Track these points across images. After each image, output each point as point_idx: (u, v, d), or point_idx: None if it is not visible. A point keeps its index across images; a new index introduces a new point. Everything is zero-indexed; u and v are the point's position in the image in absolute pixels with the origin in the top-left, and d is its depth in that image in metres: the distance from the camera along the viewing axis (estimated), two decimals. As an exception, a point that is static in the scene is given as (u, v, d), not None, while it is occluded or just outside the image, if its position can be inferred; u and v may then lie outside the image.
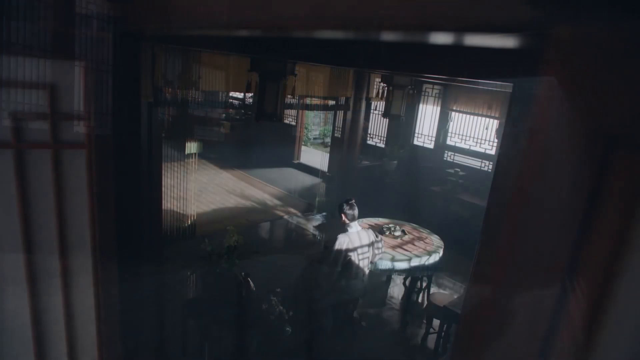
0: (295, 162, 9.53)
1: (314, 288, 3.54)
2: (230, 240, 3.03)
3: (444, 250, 4.31)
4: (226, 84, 4.84)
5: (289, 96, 4.49)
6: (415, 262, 3.96)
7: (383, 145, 7.68)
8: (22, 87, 1.25)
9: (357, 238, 3.54)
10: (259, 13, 1.18)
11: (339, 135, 6.97)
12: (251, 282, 3.10)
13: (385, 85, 5.28)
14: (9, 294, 1.27)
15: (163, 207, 4.84)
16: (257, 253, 3.09)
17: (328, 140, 9.71)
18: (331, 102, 6.64)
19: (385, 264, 3.90)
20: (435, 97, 7.07)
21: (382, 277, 4.79)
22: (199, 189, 6.78)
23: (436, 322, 3.69)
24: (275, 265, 4.71)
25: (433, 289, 4.66)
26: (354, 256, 3.51)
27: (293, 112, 9.62)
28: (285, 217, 6.68)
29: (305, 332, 3.61)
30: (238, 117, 9.98)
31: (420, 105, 7.26)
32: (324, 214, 6.89)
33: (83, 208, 1.33)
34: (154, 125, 4.43)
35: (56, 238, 1.32)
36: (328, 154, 7.56)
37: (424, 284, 4.68)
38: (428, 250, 4.19)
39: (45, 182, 1.27)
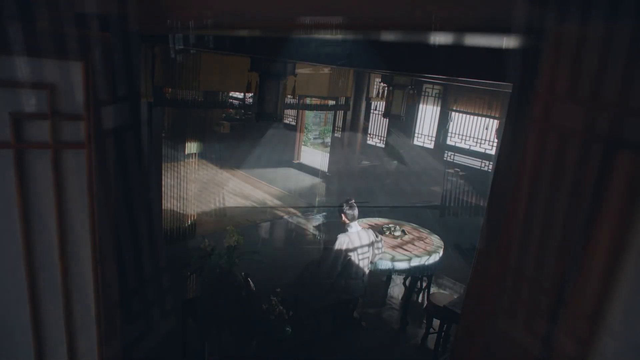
0: (296, 162, 9.53)
1: (314, 288, 3.55)
2: (230, 240, 3.03)
3: (444, 250, 4.31)
4: (226, 83, 4.84)
5: (289, 96, 4.49)
6: (415, 262, 3.96)
7: (383, 145, 7.69)
8: (22, 87, 1.25)
9: (357, 238, 3.54)
10: (260, 13, 1.18)
11: (339, 135, 6.97)
12: (251, 282, 3.10)
13: (385, 85, 5.29)
14: (8, 295, 1.26)
15: (163, 207, 4.85)
16: (256, 253, 3.09)
17: (328, 140, 9.70)
18: (331, 102, 6.64)
19: (385, 264, 3.90)
20: (435, 97, 7.07)
21: (382, 277, 4.79)
22: (199, 189, 6.78)
23: (436, 322, 3.69)
24: (276, 265, 4.71)
25: (433, 289, 4.66)
26: (354, 256, 3.51)
27: (293, 112, 9.61)
28: (285, 217, 6.68)
29: (306, 332, 3.61)
30: (238, 117, 9.98)
31: (421, 105, 7.27)
32: (324, 213, 6.89)
33: (83, 208, 1.33)
34: (154, 125, 4.43)
35: (56, 238, 1.32)
36: (328, 154, 7.56)
37: (424, 284, 4.68)
38: (428, 250, 4.19)
39: (45, 182, 1.26)
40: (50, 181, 1.26)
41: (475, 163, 6.74)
